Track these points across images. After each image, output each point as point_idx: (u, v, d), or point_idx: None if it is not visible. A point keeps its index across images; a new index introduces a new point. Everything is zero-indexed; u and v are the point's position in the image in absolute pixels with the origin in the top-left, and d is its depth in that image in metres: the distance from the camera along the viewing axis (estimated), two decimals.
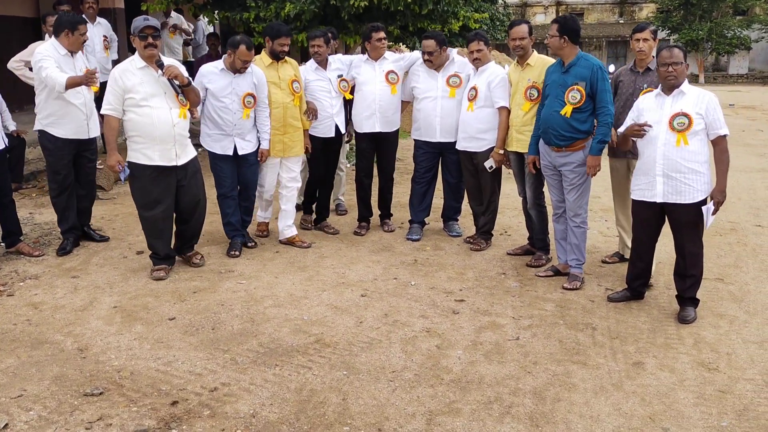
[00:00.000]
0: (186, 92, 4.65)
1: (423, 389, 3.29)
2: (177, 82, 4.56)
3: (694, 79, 37.13)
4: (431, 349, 3.71)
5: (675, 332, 3.97)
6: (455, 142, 5.55)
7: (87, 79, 4.91)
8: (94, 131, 5.32)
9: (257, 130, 5.36)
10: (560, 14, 44.36)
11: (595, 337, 3.90)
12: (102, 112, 4.61)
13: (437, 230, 6.07)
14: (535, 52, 5.14)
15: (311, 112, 5.64)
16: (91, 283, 4.63)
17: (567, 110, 4.54)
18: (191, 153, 4.81)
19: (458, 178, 5.77)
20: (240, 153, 5.26)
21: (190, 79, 4.73)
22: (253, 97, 5.21)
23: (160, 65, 4.51)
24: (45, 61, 4.88)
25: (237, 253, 5.26)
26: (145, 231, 4.80)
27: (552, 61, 5.00)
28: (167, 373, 3.40)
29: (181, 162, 4.68)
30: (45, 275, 4.76)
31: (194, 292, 4.48)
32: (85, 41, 5.23)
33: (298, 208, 6.09)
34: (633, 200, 4.28)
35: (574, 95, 4.51)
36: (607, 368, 3.53)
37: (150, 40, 4.44)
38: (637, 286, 4.41)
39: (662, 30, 37.10)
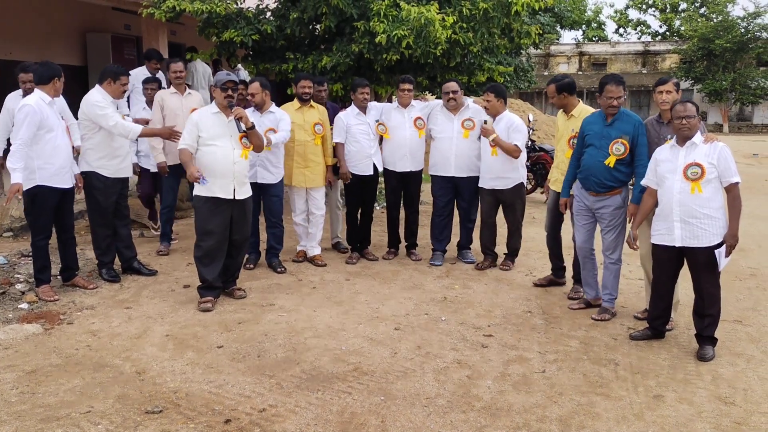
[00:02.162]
0: (249, 135, 5.18)
1: (456, 415, 3.54)
2: (242, 125, 5.11)
3: (718, 129, 37.29)
4: (462, 379, 3.97)
5: (694, 369, 4.18)
6: (467, 177, 6.33)
7: (169, 135, 5.53)
8: (131, 171, 5.93)
9: (281, 165, 6.14)
10: (582, 64, 44.84)
11: (617, 372, 4.12)
12: (179, 147, 5.18)
13: (465, 270, 6.38)
14: (581, 102, 5.61)
15: (344, 177, 6.49)
16: (143, 313, 4.98)
17: (611, 160, 4.91)
18: (248, 192, 5.30)
19: (470, 202, 6.50)
20: (260, 181, 5.96)
21: (254, 123, 5.25)
22: (274, 131, 5.89)
23: (231, 106, 5.08)
24: (108, 109, 5.39)
25: (252, 266, 6.19)
26: (198, 259, 5.17)
27: (592, 109, 5.44)
28: (219, 394, 3.70)
29: (238, 197, 5.16)
30: (100, 306, 5.12)
31: (239, 323, 4.80)
32: (124, 91, 5.68)
33: (340, 246, 7.04)
34: (653, 244, 4.54)
35: (619, 147, 4.89)
36: (629, 400, 3.74)
37: (229, 92, 5.07)
38: (658, 325, 4.63)
39: (685, 80, 37.51)
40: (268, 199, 6.15)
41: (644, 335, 4.66)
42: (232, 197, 5.12)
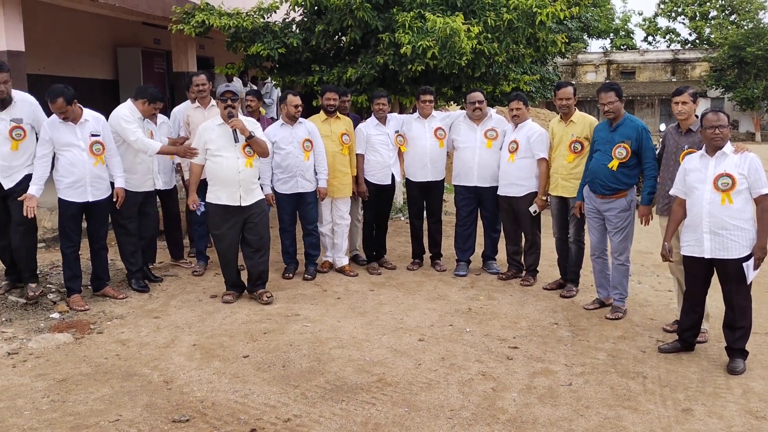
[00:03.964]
0: (250, 143, 5.40)
1: (480, 427, 3.52)
2: (240, 135, 5.34)
3: (750, 138, 36.63)
4: (487, 391, 3.94)
5: (724, 382, 4.10)
6: (489, 187, 6.30)
7: (183, 152, 5.73)
8: (156, 185, 6.00)
9: (315, 174, 6.26)
10: (611, 72, 44.48)
11: (645, 385, 4.06)
12: (190, 160, 5.52)
13: (490, 280, 6.34)
14: (578, 110, 5.81)
15: (362, 195, 6.58)
16: (171, 323, 5.04)
17: (614, 164, 5.14)
18: (257, 197, 5.57)
19: (493, 212, 6.47)
20: (300, 191, 6.17)
21: (253, 132, 5.41)
22: (311, 142, 6.10)
23: (231, 116, 5.29)
24: (133, 124, 5.58)
25: (291, 275, 6.31)
26: (219, 260, 5.62)
27: (592, 118, 5.73)
28: (245, 404, 3.73)
29: (245, 203, 5.44)
30: (129, 315, 5.20)
31: (264, 333, 4.84)
32: (154, 114, 5.89)
33: (359, 258, 6.96)
34: (683, 255, 4.47)
35: (621, 151, 5.11)
36: (657, 414, 3.69)
37: (229, 102, 5.32)
38: (687, 337, 4.56)
39: (716, 89, 36.97)
40: (304, 207, 6.30)
41: (673, 348, 4.59)
42: (238, 204, 5.40)
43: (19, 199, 5.04)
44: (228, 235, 5.47)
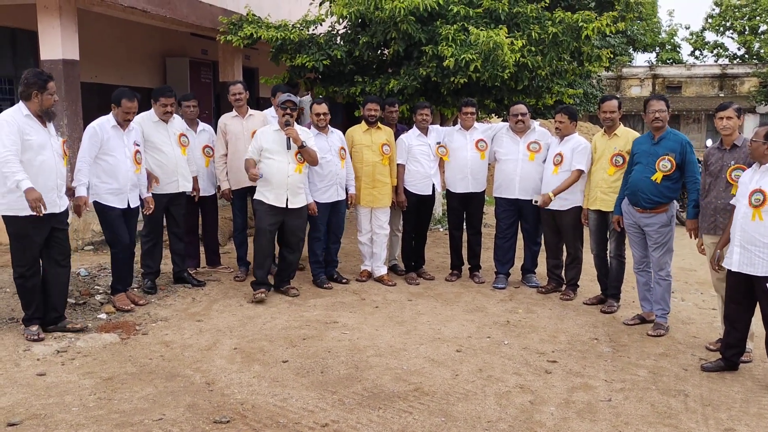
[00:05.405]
0: (301, 152, 5.73)
1: None
2: (293, 143, 5.64)
3: None
4: (524, 404, 3.93)
5: None
6: (531, 200, 6.25)
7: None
8: (183, 187, 6.04)
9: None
10: (656, 86, 43.71)
11: (687, 403, 3.99)
12: (245, 156, 5.83)
13: (529, 294, 6.31)
14: (622, 124, 5.79)
15: (401, 205, 6.58)
16: (214, 326, 5.15)
17: (658, 176, 5.12)
18: (302, 202, 5.91)
19: (534, 225, 6.47)
20: (337, 199, 6.32)
21: (306, 142, 5.70)
22: (345, 150, 6.27)
23: (287, 124, 5.59)
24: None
25: (330, 285, 6.35)
26: (255, 256, 5.91)
27: (636, 133, 5.70)
28: (283, 408, 3.79)
29: (291, 206, 5.79)
30: (173, 318, 5.33)
31: (304, 339, 4.91)
32: (165, 112, 5.93)
33: (397, 268, 6.99)
34: (726, 269, 4.40)
35: (665, 164, 5.09)
36: None
37: (288, 111, 5.64)
38: (730, 355, 4.47)
39: (765, 105, 36.10)
40: (337, 215, 6.44)
41: (716, 366, 4.50)
42: (284, 206, 5.74)
43: (79, 205, 5.08)
44: (269, 231, 5.79)
